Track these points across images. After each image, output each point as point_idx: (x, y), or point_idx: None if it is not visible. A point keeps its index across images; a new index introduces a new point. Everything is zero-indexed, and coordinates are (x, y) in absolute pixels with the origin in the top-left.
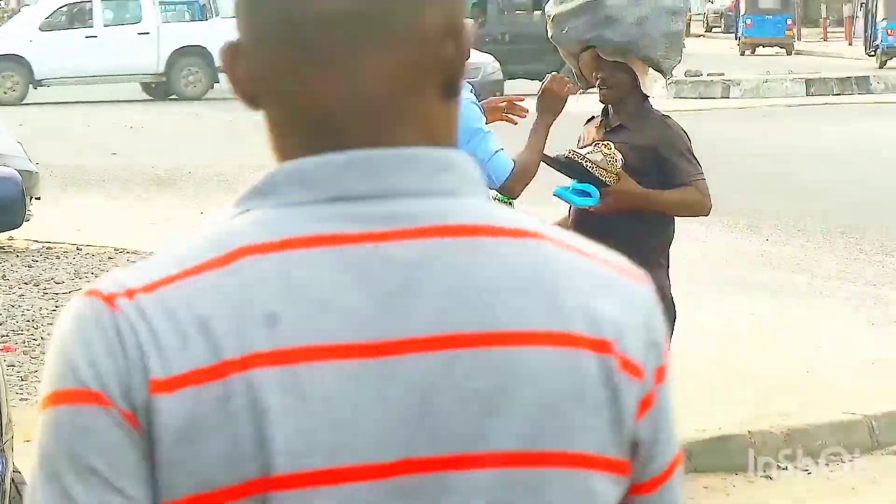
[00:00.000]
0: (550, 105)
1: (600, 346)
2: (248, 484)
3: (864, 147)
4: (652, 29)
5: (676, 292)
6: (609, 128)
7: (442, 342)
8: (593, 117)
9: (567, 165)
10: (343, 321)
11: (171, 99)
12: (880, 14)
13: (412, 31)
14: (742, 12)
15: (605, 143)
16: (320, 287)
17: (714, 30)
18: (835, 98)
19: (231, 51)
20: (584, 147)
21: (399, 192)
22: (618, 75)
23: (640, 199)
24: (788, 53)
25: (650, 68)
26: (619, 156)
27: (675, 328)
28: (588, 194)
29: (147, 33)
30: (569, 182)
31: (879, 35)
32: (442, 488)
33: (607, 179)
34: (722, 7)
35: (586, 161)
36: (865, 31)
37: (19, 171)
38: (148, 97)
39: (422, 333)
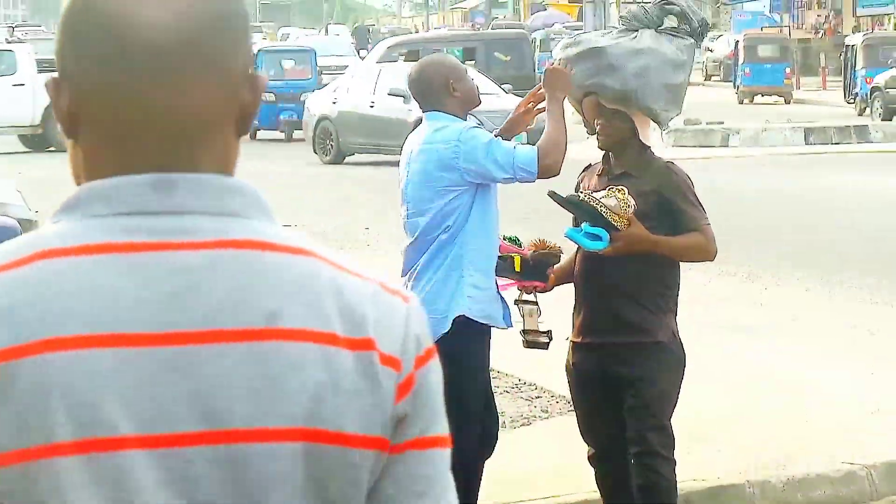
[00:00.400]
0: (557, 82)
1: (359, 345)
2: (30, 451)
3: (863, 196)
4: (653, 79)
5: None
6: (611, 175)
7: (216, 336)
8: (590, 165)
9: (581, 208)
10: (128, 315)
11: (48, 150)
12: (859, 63)
13: (222, 74)
14: (741, 61)
15: (620, 188)
16: (109, 286)
17: (713, 78)
18: (834, 147)
19: (55, 84)
20: (598, 192)
21: (188, 210)
22: (617, 123)
23: (649, 244)
24: (787, 102)
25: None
26: (632, 201)
27: (684, 373)
28: (599, 238)
29: (22, 85)
30: (580, 223)
31: (859, 83)
32: (209, 460)
33: (619, 224)
34: (721, 56)
35: (601, 206)
36: (844, 78)
37: (18, 220)
38: (26, 148)
39: (198, 328)
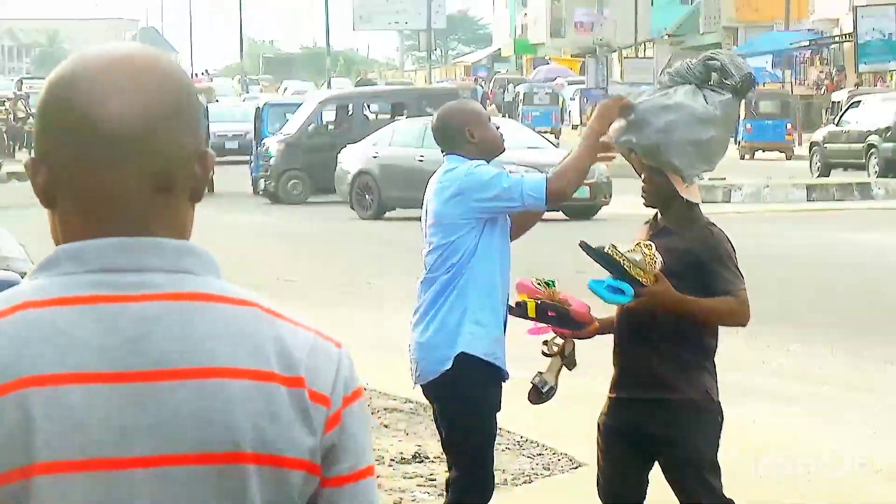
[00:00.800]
0: (602, 113)
1: (293, 382)
2: (15, 471)
3: (866, 254)
4: (677, 136)
5: None
6: (655, 230)
7: (169, 374)
8: (650, 219)
9: (606, 260)
10: (94, 357)
11: None
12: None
13: (175, 156)
14: (742, 117)
15: (647, 244)
16: (79, 332)
17: None
18: (836, 204)
19: (33, 164)
20: (624, 245)
21: (148, 269)
22: (655, 179)
23: (674, 303)
24: (788, 158)
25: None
26: (660, 258)
27: (721, 432)
28: (622, 291)
29: None
30: (605, 275)
31: None
32: (163, 479)
33: (644, 280)
34: None
35: (625, 260)
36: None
37: (21, 273)
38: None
39: (153, 368)
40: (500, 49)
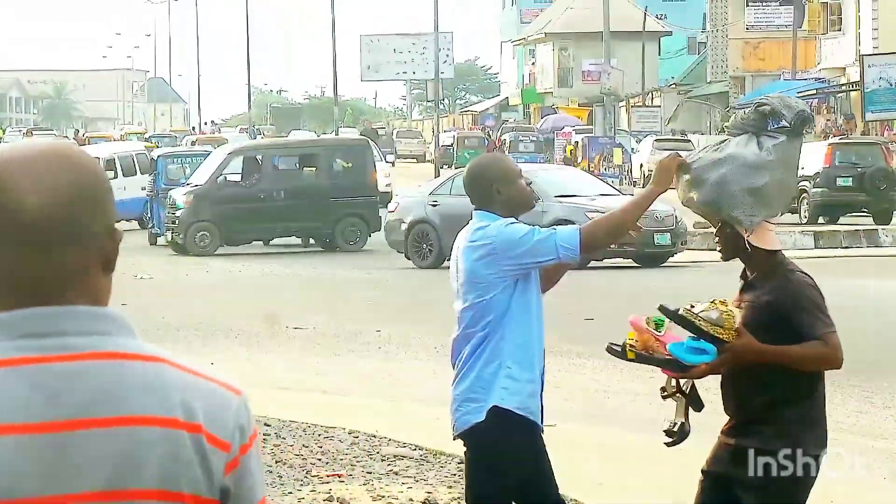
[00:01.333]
0: (660, 176)
1: (194, 429)
2: None
3: (874, 300)
4: (731, 187)
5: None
6: (745, 285)
7: (86, 423)
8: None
9: (683, 322)
10: (21, 411)
11: None
12: None
13: (87, 236)
14: None
15: (722, 300)
16: (6, 390)
17: None
18: (843, 251)
19: None
20: (700, 304)
21: (67, 333)
22: (725, 231)
23: (758, 355)
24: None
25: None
26: (738, 312)
27: (800, 492)
28: (705, 351)
29: None
30: (685, 336)
31: None
32: None
33: (724, 337)
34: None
35: (699, 320)
36: None
37: None
38: None
39: (72, 418)
40: (507, 98)
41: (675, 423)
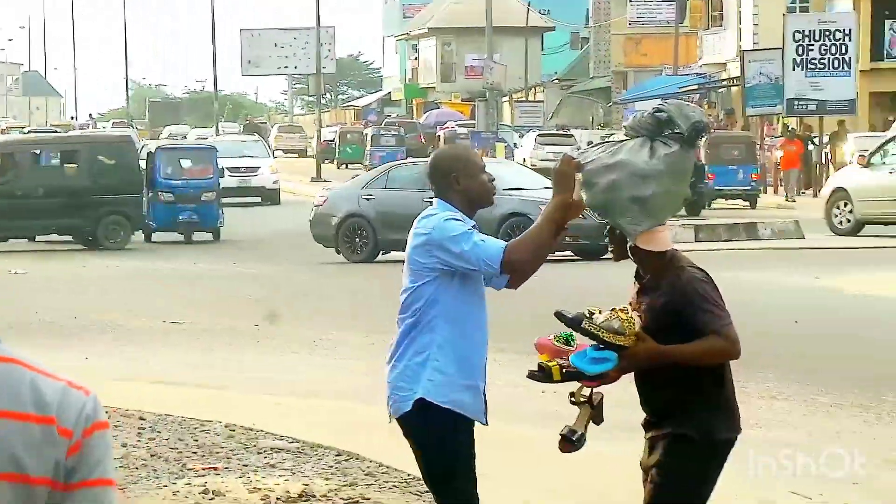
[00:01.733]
0: (560, 183)
1: (45, 420)
2: None
3: (750, 293)
4: (620, 194)
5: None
6: (642, 281)
7: None
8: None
9: (585, 334)
10: None
11: None
12: (703, 159)
13: None
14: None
15: (623, 308)
16: None
17: None
18: (723, 244)
19: None
20: (601, 314)
21: None
22: (615, 233)
23: (657, 357)
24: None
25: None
26: (637, 317)
27: (706, 475)
28: (606, 359)
29: None
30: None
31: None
32: None
33: (626, 343)
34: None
35: (601, 331)
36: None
37: None
38: None
39: None
40: (390, 93)
41: (575, 433)
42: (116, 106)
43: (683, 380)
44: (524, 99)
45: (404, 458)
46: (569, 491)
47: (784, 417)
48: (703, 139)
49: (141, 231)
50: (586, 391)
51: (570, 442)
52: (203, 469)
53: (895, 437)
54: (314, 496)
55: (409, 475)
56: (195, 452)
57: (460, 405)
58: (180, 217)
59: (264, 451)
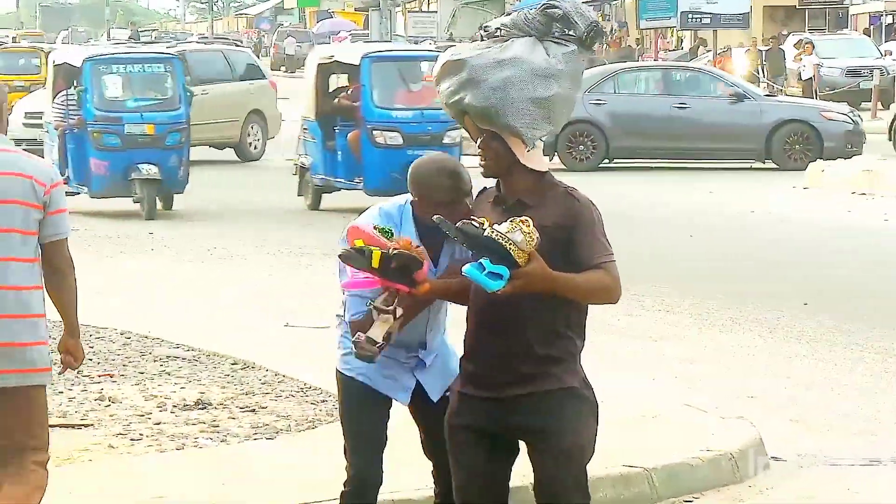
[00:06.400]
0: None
1: (28, 177)
2: None
3: (628, 217)
4: (514, 93)
5: None
6: (506, 204)
7: None
8: (485, 189)
9: (482, 243)
10: None
11: None
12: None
13: None
14: None
15: (525, 219)
16: None
17: None
18: None
19: None
20: (502, 224)
21: None
22: (495, 145)
23: (549, 283)
24: None
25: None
26: (537, 235)
27: (598, 419)
28: (500, 276)
29: None
30: (478, 257)
31: None
32: None
33: (521, 260)
34: None
35: (508, 242)
36: None
37: None
38: None
39: None
40: (283, 1)
41: (378, 342)
42: (6, 11)
43: (562, 319)
44: (418, 9)
45: (300, 368)
46: None
47: (680, 331)
48: (600, 44)
49: None
50: (396, 301)
51: (373, 344)
52: (99, 376)
53: (792, 352)
54: (210, 404)
55: (305, 384)
56: (90, 359)
57: (366, 376)
58: None
59: (160, 359)
